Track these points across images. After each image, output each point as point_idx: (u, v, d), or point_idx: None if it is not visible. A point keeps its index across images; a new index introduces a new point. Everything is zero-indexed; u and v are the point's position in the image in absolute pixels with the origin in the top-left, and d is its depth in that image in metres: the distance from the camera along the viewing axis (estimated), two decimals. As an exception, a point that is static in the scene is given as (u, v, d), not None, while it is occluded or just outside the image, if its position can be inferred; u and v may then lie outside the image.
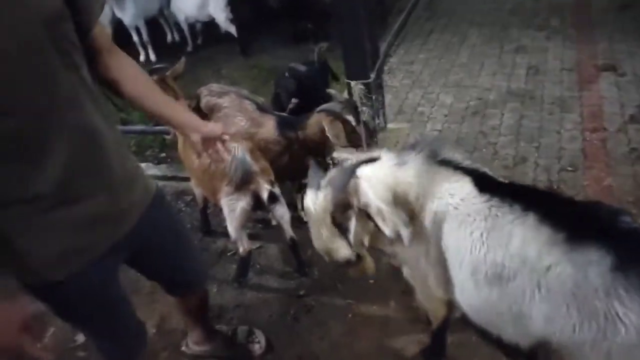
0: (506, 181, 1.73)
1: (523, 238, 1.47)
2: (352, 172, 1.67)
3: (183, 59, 2.71)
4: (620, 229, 1.42)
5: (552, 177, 3.39)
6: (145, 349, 1.75)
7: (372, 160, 1.75)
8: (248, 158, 2.31)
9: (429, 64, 5.40)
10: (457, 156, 1.76)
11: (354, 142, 2.53)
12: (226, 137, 1.61)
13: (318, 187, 1.74)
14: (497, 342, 1.66)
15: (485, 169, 1.77)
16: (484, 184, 1.65)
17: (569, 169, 3.46)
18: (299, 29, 5.98)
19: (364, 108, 2.62)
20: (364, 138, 2.56)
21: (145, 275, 1.78)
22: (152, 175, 3.70)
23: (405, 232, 1.70)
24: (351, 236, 1.74)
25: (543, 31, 5.52)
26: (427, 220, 1.69)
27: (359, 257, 1.83)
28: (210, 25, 6.28)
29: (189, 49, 6.48)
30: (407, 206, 1.71)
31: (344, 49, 2.45)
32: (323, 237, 1.75)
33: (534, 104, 4.28)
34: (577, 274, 1.36)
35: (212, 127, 1.58)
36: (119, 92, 1.45)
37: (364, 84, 2.49)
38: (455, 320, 2.02)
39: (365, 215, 1.71)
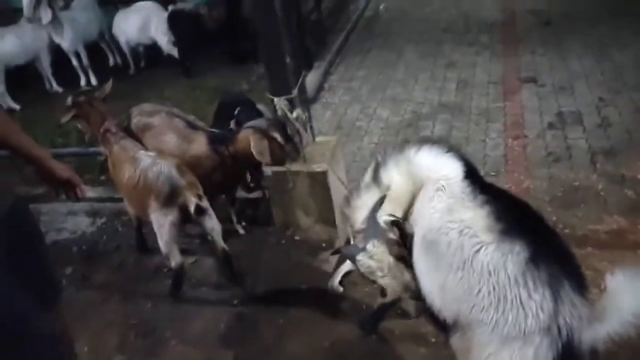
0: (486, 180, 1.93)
1: (469, 219, 1.64)
2: (375, 217, 1.92)
3: (110, 81, 2.78)
4: (545, 232, 1.61)
5: (477, 182, 3.61)
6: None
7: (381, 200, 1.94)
8: (174, 173, 2.38)
9: (368, 80, 5.62)
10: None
11: (280, 158, 2.64)
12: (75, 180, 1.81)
13: (365, 248, 2.00)
14: (430, 314, 1.79)
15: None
16: (470, 173, 1.82)
17: (492, 174, 3.69)
18: (238, 49, 6.11)
19: (298, 120, 2.74)
20: (300, 149, 2.69)
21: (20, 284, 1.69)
22: (90, 198, 3.72)
23: None
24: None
25: (473, 47, 5.85)
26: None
27: None
28: (153, 48, 6.33)
29: (131, 72, 6.49)
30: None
31: (266, 66, 2.58)
32: (401, 276, 2.00)
33: (463, 115, 4.54)
34: (498, 260, 1.51)
35: (60, 167, 1.78)
36: None
37: (288, 100, 2.62)
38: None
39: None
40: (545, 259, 1.47)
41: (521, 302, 1.44)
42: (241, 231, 3.16)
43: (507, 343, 1.45)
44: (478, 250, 1.56)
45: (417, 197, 1.87)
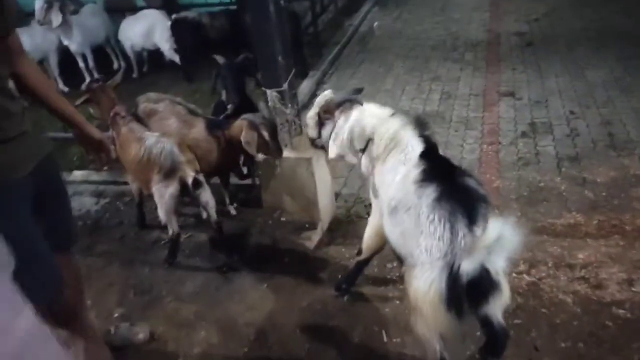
0: (442, 154, 2.28)
1: (410, 181, 2.01)
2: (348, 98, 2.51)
3: (120, 72, 3.12)
4: (457, 180, 1.95)
5: (452, 181, 3.94)
6: (60, 295, 1.86)
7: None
8: (175, 150, 2.70)
9: (358, 90, 5.98)
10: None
11: (263, 151, 2.98)
12: (106, 144, 2.05)
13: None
14: (398, 257, 2.13)
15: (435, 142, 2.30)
16: (428, 150, 2.15)
17: (466, 174, 4.02)
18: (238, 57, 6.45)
19: (288, 110, 3.06)
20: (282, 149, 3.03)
21: (43, 228, 1.81)
22: (95, 181, 4.02)
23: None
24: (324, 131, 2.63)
25: (458, 63, 6.25)
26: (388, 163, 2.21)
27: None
28: (156, 53, 6.69)
29: (135, 75, 6.84)
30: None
31: (259, 60, 2.93)
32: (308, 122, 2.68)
33: (444, 123, 4.88)
34: (418, 202, 1.90)
35: (94, 131, 2.01)
36: (24, 84, 1.84)
37: (278, 92, 2.95)
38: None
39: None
40: (448, 199, 1.83)
41: (430, 234, 1.81)
42: (233, 212, 3.46)
43: (423, 267, 1.82)
44: (409, 201, 1.94)
45: (383, 158, 2.23)
